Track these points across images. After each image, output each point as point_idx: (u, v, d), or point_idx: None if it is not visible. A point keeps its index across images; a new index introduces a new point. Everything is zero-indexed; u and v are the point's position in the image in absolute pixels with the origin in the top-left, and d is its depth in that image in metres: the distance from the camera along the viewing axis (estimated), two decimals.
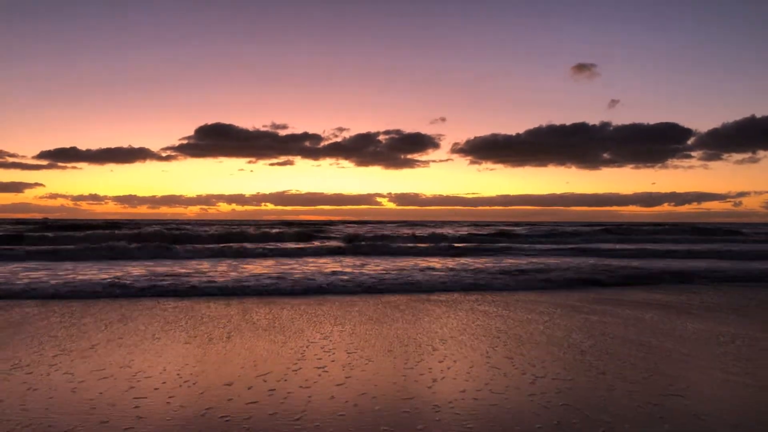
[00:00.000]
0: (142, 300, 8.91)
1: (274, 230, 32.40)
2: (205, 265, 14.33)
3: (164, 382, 4.41)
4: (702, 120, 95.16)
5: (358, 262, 15.60)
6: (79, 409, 3.75)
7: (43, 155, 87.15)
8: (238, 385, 4.35)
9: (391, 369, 4.86)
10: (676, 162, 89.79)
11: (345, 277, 11.53)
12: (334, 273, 12.38)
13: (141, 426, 3.44)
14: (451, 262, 15.78)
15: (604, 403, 3.89)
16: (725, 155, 77.77)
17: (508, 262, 16.14)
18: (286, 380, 4.48)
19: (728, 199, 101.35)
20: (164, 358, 5.19)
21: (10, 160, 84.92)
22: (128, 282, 10.32)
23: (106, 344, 5.79)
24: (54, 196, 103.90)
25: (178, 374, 4.65)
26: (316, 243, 24.78)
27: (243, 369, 4.83)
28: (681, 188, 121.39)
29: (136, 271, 12.39)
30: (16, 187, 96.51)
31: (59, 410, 3.72)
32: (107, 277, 11.10)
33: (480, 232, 37.63)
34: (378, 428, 3.38)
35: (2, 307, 8.03)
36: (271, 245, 22.34)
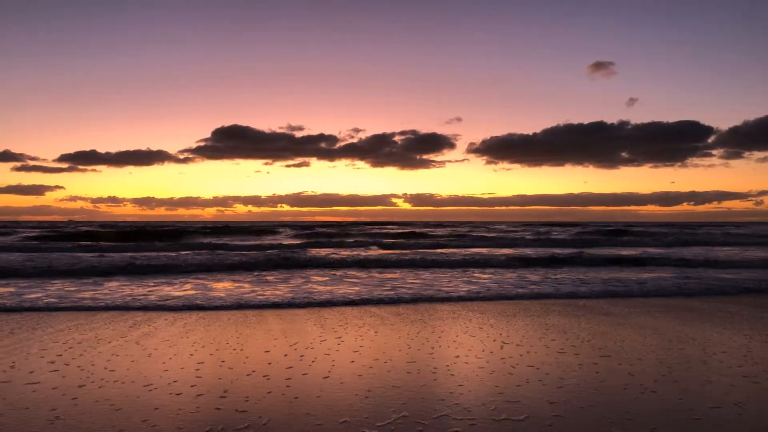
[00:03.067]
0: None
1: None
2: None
3: (217, 349, 4.92)
4: (723, 118, 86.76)
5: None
6: (154, 370, 4.28)
7: (63, 158, 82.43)
8: (275, 352, 4.87)
9: (396, 339, 5.40)
10: (696, 161, 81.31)
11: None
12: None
13: (201, 383, 3.92)
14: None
15: (555, 361, 4.42)
16: (746, 153, 70.62)
17: None
18: (313, 348, 5.02)
19: (749, 198, 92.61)
20: (215, 332, 5.74)
21: (32, 163, 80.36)
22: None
23: (167, 324, 6.36)
24: (74, 199, 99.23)
25: (227, 343, 5.20)
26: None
27: (277, 340, 5.36)
28: (701, 187, 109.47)
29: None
30: (37, 189, 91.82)
31: (139, 372, 4.26)
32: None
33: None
34: (389, 386, 3.85)
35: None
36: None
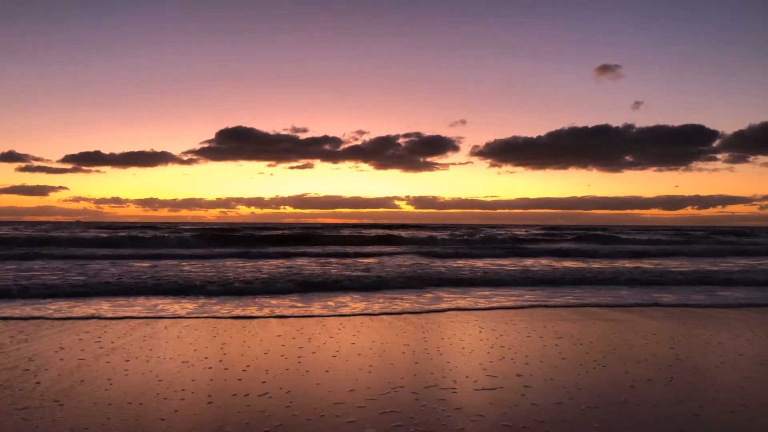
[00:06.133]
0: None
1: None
2: None
3: (236, 332, 5.27)
4: (727, 121, 78.74)
5: None
6: (185, 350, 4.58)
7: (67, 159, 75.26)
8: (285, 336, 5.21)
9: (391, 325, 5.79)
10: (700, 164, 74.56)
11: None
12: None
13: (226, 360, 4.23)
14: None
15: (524, 343, 4.85)
16: (751, 157, 63.38)
17: None
18: (320, 334, 5.37)
19: (754, 203, 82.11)
20: (229, 320, 6.08)
21: (36, 164, 73.13)
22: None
23: (189, 315, 6.66)
24: (77, 199, 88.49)
25: (243, 327, 5.54)
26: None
27: (284, 327, 5.71)
28: (705, 191, 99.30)
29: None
30: (41, 190, 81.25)
31: (174, 350, 4.56)
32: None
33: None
34: (387, 363, 4.21)
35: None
36: None
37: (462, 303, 7.32)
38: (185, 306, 6.84)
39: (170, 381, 3.64)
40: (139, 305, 6.83)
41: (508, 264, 13.64)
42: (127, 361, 4.14)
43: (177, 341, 4.85)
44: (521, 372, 3.96)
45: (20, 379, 3.66)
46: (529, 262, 14.67)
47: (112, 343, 4.74)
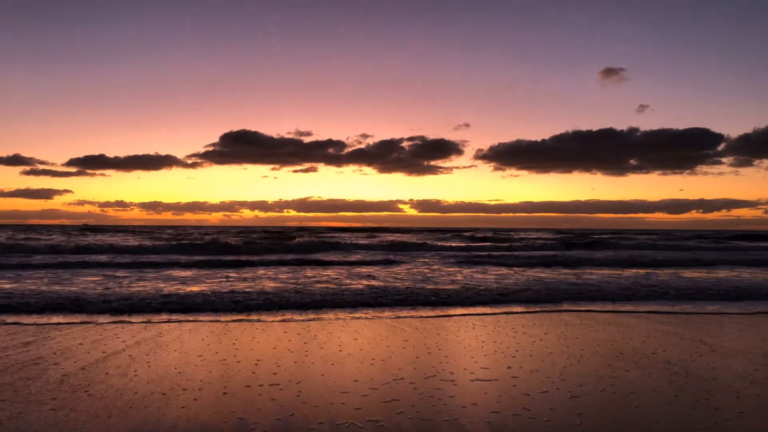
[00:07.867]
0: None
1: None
2: None
3: (246, 330, 5.46)
4: (733, 125, 79.04)
5: None
6: (199, 345, 4.77)
7: (72, 162, 74.63)
8: (291, 333, 5.42)
9: (390, 324, 6.00)
10: (705, 168, 71.79)
11: None
12: None
13: (239, 354, 4.40)
14: None
15: (513, 339, 5.08)
16: (756, 161, 62.90)
17: None
18: (322, 331, 5.58)
19: (759, 206, 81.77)
20: (237, 322, 6.26)
21: (41, 167, 72.98)
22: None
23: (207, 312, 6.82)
24: (82, 203, 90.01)
25: (252, 326, 5.72)
26: None
27: (291, 328, 5.91)
28: (710, 195, 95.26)
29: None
30: (46, 193, 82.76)
31: (190, 346, 4.76)
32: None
33: None
34: (384, 354, 4.44)
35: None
36: None
37: (472, 310, 7.50)
38: (195, 316, 7.01)
39: (188, 373, 3.84)
40: (142, 313, 6.99)
41: (545, 275, 11.63)
42: (147, 354, 4.33)
43: (191, 339, 5.05)
44: (511, 364, 4.18)
45: (48, 371, 3.84)
46: (563, 272, 12.66)
47: (133, 337, 4.93)
